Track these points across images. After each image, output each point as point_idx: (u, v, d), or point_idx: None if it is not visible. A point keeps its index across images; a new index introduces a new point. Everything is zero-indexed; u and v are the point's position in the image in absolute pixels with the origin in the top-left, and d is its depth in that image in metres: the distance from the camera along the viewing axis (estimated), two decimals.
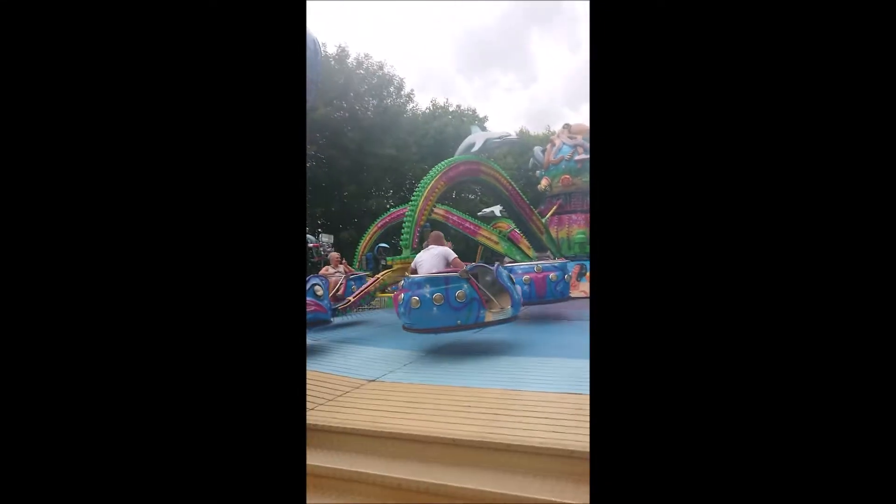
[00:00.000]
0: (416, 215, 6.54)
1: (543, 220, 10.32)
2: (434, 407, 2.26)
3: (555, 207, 11.22)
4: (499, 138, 8.23)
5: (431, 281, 3.51)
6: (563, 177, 11.23)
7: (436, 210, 10.26)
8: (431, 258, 3.79)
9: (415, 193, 6.90)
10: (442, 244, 4.03)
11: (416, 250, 6.22)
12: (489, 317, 3.69)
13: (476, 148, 8.14)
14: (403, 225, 6.59)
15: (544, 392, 2.40)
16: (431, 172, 7.03)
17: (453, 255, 3.88)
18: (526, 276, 4.94)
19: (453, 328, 3.54)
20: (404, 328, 3.79)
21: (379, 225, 9.53)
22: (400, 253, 6.42)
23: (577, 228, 10.64)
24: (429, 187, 6.81)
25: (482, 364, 3.22)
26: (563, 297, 5.10)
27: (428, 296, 3.43)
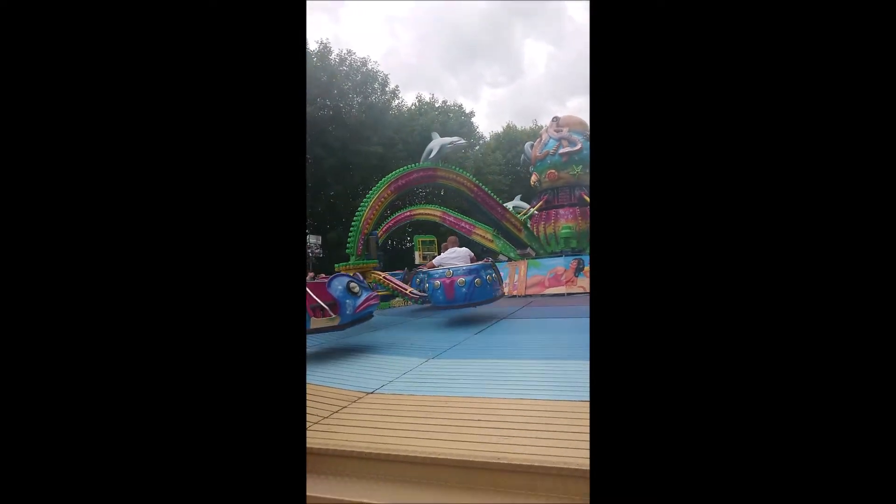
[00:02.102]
0: (360, 224, 6.69)
1: (524, 218, 10.20)
2: (441, 422, 2.10)
3: (540, 203, 11.07)
4: (450, 144, 8.77)
5: (484, 268, 5.29)
6: (549, 171, 11.04)
7: (433, 211, 10.19)
8: (460, 258, 5.47)
9: (361, 204, 7.15)
10: (458, 245, 5.72)
11: (360, 257, 6.50)
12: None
13: (433, 154, 8.43)
14: (349, 233, 6.79)
15: (556, 401, 2.26)
16: (379, 184, 7.36)
17: (471, 253, 5.64)
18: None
19: (494, 298, 5.40)
20: (443, 307, 5.29)
21: (381, 231, 9.41)
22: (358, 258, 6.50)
23: (563, 223, 10.45)
24: (375, 197, 7.03)
25: (485, 369, 3.07)
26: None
27: (484, 276, 5.17)
